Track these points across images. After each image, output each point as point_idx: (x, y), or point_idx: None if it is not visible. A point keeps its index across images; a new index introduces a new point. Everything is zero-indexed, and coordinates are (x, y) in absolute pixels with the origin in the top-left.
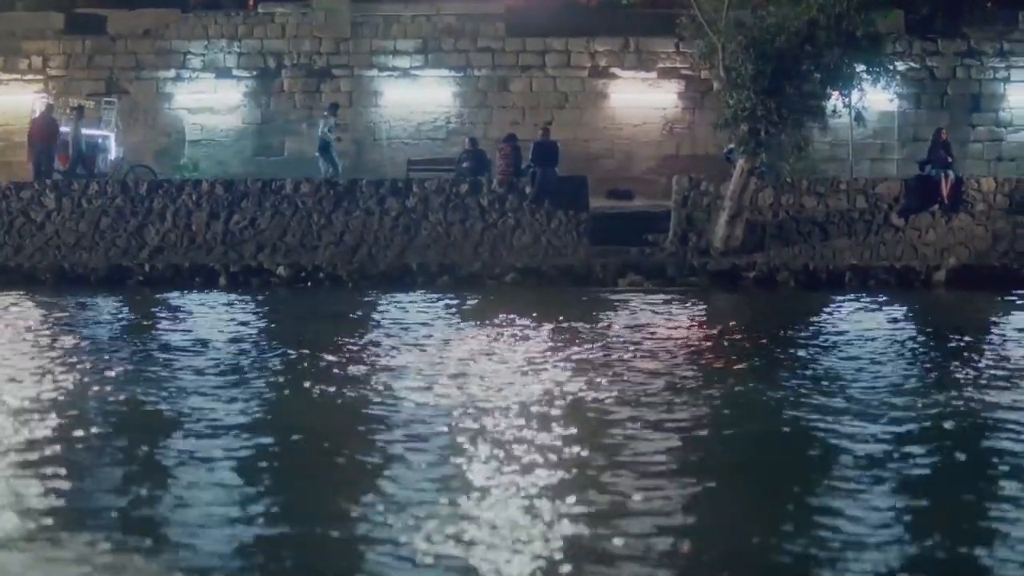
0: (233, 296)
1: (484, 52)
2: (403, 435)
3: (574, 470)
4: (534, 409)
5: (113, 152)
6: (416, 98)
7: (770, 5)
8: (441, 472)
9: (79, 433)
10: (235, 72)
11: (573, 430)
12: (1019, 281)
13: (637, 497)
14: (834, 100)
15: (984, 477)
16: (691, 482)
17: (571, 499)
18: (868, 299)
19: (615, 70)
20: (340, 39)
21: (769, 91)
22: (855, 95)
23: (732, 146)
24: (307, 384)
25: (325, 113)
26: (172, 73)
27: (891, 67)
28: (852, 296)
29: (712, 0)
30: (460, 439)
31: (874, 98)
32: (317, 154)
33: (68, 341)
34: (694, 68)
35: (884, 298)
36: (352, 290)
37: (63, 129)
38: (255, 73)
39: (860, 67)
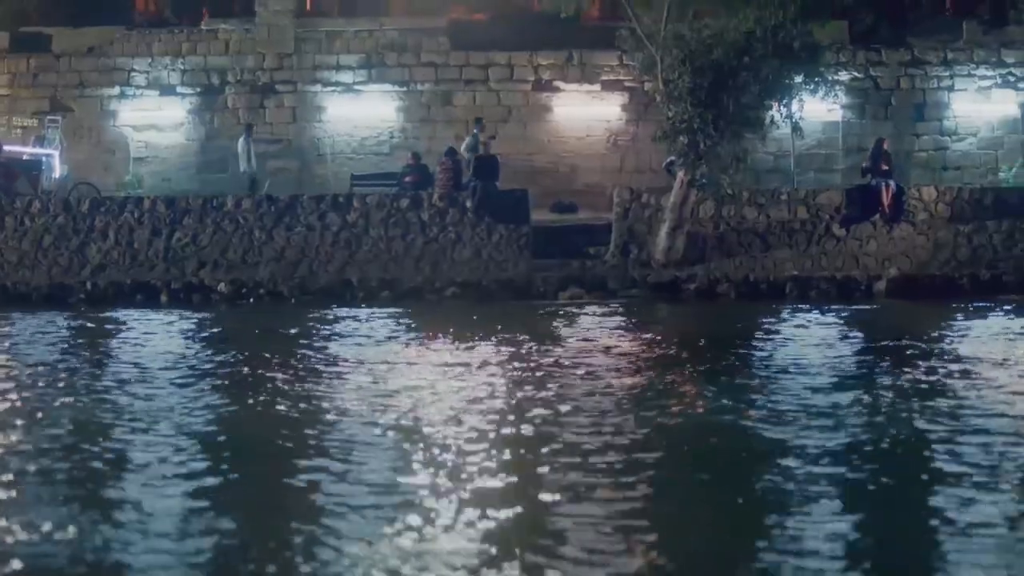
0: (173, 313)
1: (427, 67)
2: (339, 452)
3: (509, 482)
4: (459, 422)
5: (57, 170)
6: (360, 113)
7: (707, 18)
8: (379, 485)
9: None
10: (179, 89)
11: (502, 444)
12: (960, 291)
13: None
14: (773, 111)
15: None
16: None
17: (501, 507)
18: (806, 309)
19: (558, 83)
20: (283, 55)
21: (706, 103)
22: (794, 106)
23: (672, 158)
24: (245, 402)
25: (475, 130)
26: (116, 90)
27: (830, 78)
28: (791, 307)
29: (651, 13)
30: (395, 453)
31: (818, 108)
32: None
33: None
34: (637, 80)
35: (823, 308)
36: (293, 306)
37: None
38: (199, 90)
39: (798, 78)
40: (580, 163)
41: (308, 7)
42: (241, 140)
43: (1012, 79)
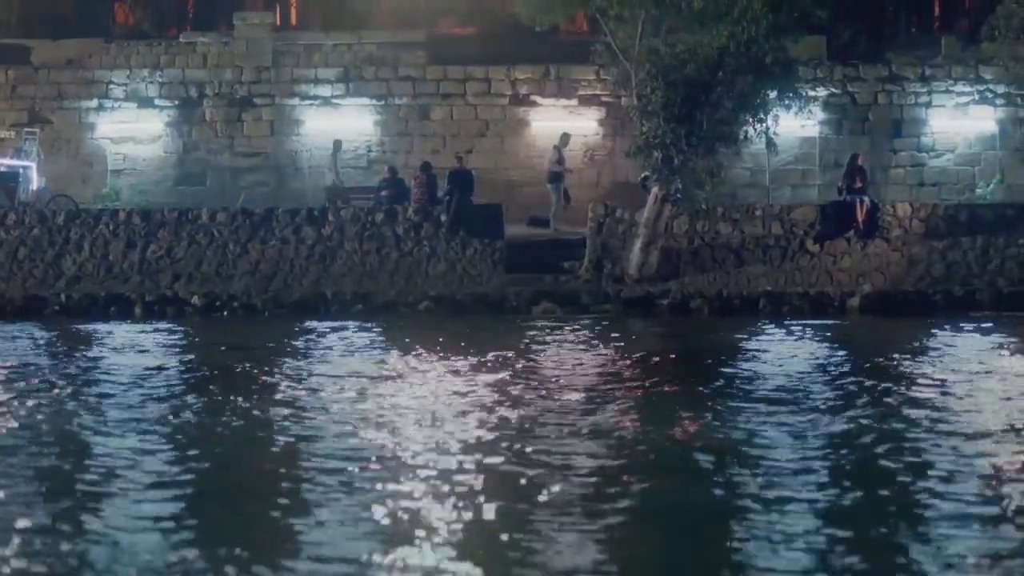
0: (145, 325)
1: (405, 81)
2: (311, 469)
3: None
4: (420, 434)
5: (35, 182)
6: (337, 127)
7: (682, 33)
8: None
9: None
10: (157, 102)
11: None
12: (934, 307)
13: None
14: (747, 127)
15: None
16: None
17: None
18: (778, 325)
19: (536, 97)
20: (262, 68)
21: (679, 118)
22: (768, 121)
23: (647, 173)
24: (211, 415)
25: (555, 145)
26: (94, 103)
27: (804, 93)
28: (764, 323)
29: (626, 27)
30: (357, 466)
31: (795, 124)
32: (548, 185)
33: None
34: (614, 95)
35: (795, 324)
36: (266, 319)
37: None
38: (177, 103)
39: (772, 94)
40: None
41: (292, 21)
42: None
43: (990, 95)
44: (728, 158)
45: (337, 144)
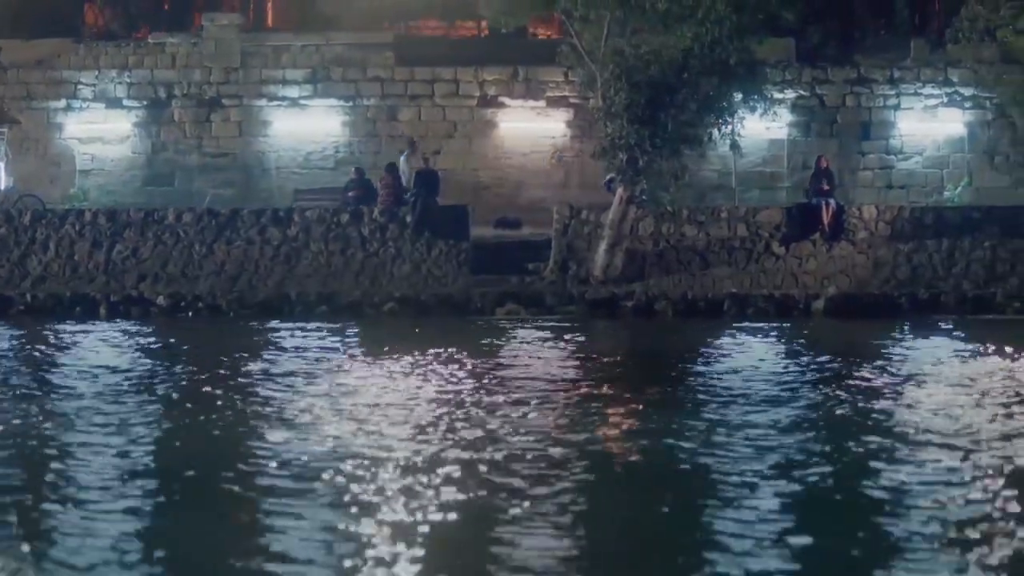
0: (108, 326)
1: (373, 82)
2: (262, 474)
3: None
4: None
5: (2, 182)
6: (305, 128)
7: (647, 34)
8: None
9: None
10: (125, 102)
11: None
12: (899, 310)
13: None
14: (712, 129)
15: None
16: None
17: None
18: (741, 328)
19: (504, 99)
20: (230, 69)
21: (643, 120)
22: (735, 123)
23: (612, 175)
24: (169, 417)
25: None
26: (63, 103)
27: (769, 95)
28: (728, 325)
29: (592, 29)
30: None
31: (763, 126)
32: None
33: None
34: (582, 97)
35: (759, 327)
36: (231, 320)
37: None
38: (145, 103)
39: (737, 96)
40: (525, 179)
41: (262, 22)
42: (402, 158)
43: (959, 98)
44: (694, 160)
45: (412, 143)
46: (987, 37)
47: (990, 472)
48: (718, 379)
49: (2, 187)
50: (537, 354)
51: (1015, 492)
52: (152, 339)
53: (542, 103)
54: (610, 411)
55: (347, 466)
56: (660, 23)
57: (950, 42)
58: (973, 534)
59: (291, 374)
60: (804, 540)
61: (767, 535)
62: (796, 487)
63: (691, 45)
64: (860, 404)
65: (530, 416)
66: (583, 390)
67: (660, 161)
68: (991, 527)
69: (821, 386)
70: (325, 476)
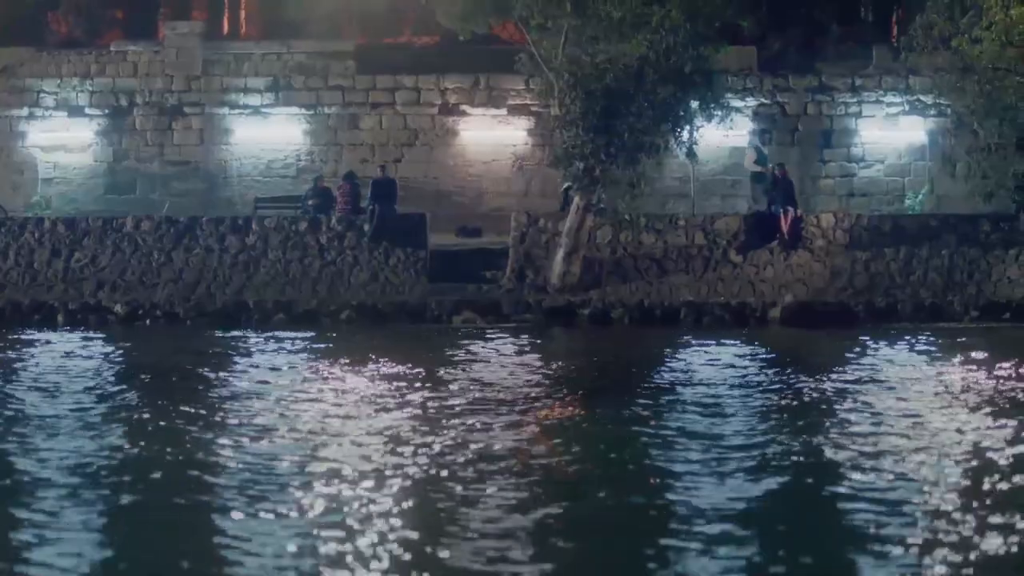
0: (67, 335)
1: (334, 90)
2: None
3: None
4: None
5: None
6: (267, 136)
7: (603, 43)
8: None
9: None
10: (87, 110)
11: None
12: (855, 318)
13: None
14: (668, 137)
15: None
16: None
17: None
18: (695, 336)
19: (465, 107)
20: (191, 77)
21: (598, 128)
22: (692, 131)
23: (569, 183)
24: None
25: (756, 144)
26: (25, 111)
27: (726, 103)
28: (683, 333)
29: (550, 36)
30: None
31: (722, 134)
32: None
33: None
34: (542, 105)
35: (713, 335)
36: (187, 328)
37: None
38: (107, 111)
39: (694, 103)
40: (486, 187)
41: (229, 29)
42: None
43: (920, 106)
44: (655, 168)
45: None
46: (941, 45)
47: (941, 476)
48: (668, 387)
49: None
50: (487, 361)
51: (967, 494)
52: (108, 347)
53: (503, 111)
54: (552, 417)
55: (293, 473)
56: (615, 31)
57: (904, 50)
58: (928, 535)
59: (244, 382)
60: (732, 549)
61: (705, 537)
62: (733, 494)
63: (646, 53)
64: (811, 411)
65: (471, 423)
66: (530, 397)
67: (616, 169)
68: (946, 527)
69: (771, 394)
70: (272, 485)
